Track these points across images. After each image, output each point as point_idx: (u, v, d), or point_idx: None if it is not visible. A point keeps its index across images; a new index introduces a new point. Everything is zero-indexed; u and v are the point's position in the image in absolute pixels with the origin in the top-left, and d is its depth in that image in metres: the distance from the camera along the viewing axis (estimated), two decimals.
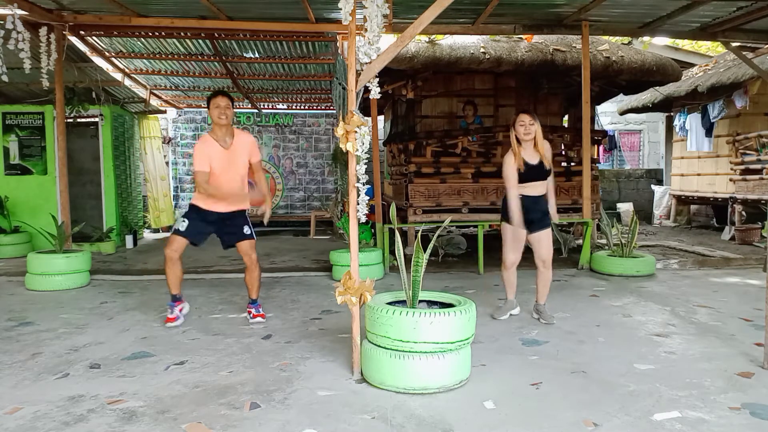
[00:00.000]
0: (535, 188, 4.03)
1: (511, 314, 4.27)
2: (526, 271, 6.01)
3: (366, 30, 2.97)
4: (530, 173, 3.98)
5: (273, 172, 11.31)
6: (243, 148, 4.15)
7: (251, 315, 4.27)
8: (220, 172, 4.06)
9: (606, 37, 7.83)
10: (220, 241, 4.32)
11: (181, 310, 4.23)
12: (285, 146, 11.37)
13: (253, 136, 10.95)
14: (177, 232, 4.10)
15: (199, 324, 4.16)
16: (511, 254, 4.13)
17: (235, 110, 10.93)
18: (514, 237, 4.08)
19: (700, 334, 3.79)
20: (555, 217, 4.20)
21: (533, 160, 4.00)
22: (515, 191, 3.95)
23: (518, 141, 4.00)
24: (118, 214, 8.57)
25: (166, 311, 4.26)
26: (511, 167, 3.97)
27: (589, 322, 4.12)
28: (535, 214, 4.03)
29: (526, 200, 4.00)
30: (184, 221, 4.11)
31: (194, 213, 4.15)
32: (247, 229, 4.23)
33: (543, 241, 4.08)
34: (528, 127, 3.92)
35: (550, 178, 4.13)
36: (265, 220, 4.30)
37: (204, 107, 11.16)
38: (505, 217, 4.06)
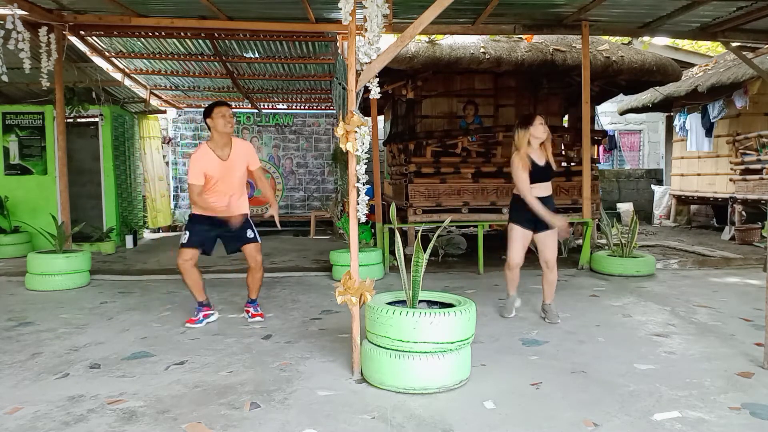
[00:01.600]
0: (541, 189, 4.05)
1: (515, 308, 4.34)
2: (524, 271, 6.04)
3: (366, 30, 2.96)
4: (538, 174, 4.01)
5: (273, 172, 11.31)
6: (241, 159, 4.12)
7: (250, 314, 4.28)
8: (216, 181, 4.04)
9: (606, 37, 7.83)
10: (224, 246, 4.29)
11: (205, 316, 4.16)
12: (285, 146, 11.37)
13: (253, 135, 11.16)
14: (182, 245, 4.11)
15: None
16: (517, 255, 4.13)
17: (235, 110, 11.12)
18: (522, 238, 4.10)
19: (700, 334, 3.79)
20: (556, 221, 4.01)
21: (540, 161, 4.03)
22: (528, 190, 3.92)
23: (528, 142, 4.00)
24: (118, 214, 8.57)
25: (192, 313, 4.21)
26: (521, 169, 3.95)
27: (589, 322, 4.12)
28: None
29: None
30: (185, 233, 4.13)
31: (194, 222, 4.14)
32: (250, 233, 4.20)
33: (548, 243, 4.09)
34: (546, 127, 3.99)
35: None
36: (277, 221, 4.27)
37: (204, 107, 11.14)
38: (513, 218, 4.12)
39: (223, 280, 5.97)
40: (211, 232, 4.15)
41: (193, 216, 4.19)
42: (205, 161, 3.99)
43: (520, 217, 4.07)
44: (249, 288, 4.32)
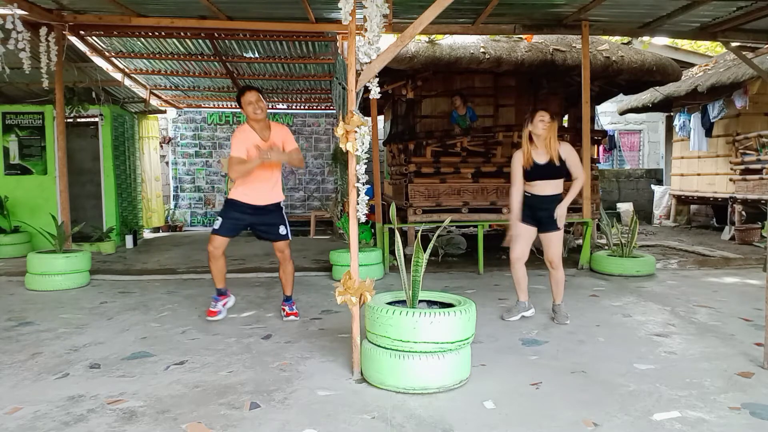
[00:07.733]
0: (543, 187, 4.05)
1: (523, 316, 4.22)
2: (527, 271, 6.04)
3: (366, 30, 2.96)
4: (538, 172, 4.03)
5: None
6: (279, 141, 4.15)
7: (284, 313, 4.33)
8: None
9: (606, 37, 7.83)
10: (254, 234, 4.37)
11: (224, 305, 4.31)
12: None
13: None
14: (214, 231, 4.20)
15: (199, 324, 4.17)
16: (518, 248, 4.13)
17: (235, 110, 11.11)
18: (524, 233, 4.12)
19: (700, 334, 3.79)
20: (560, 219, 4.03)
21: (542, 159, 4.03)
22: (517, 187, 4.10)
23: (530, 139, 4.04)
24: (118, 214, 8.57)
25: (209, 304, 4.38)
26: (514, 165, 4.11)
27: (589, 322, 4.12)
28: (543, 213, 4.06)
29: (533, 199, 4.07)
30: (218, 219, 4.19)
31: (229, 209, 4.19)
32: (282, 230, 4.28)
33: (551, 242, 4.09)
34: (547, 122, 3.98)
35: (578, 180, 4.07)
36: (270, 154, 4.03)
37: (204, 107, 11.18)
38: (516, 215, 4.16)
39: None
40: (243, 220, 4.21)
41: (229, 201, 4.23)
42: (247, 136, 4.06)
43: (523, 214, 4.11)
44: (282, 285, 4.39)
